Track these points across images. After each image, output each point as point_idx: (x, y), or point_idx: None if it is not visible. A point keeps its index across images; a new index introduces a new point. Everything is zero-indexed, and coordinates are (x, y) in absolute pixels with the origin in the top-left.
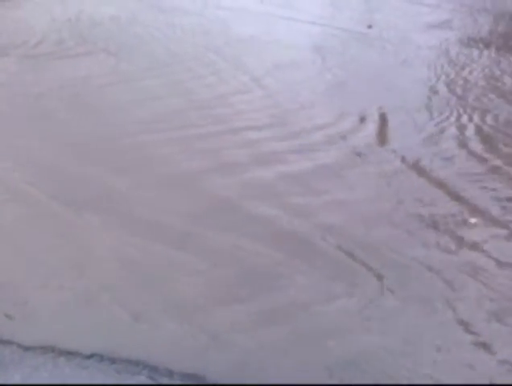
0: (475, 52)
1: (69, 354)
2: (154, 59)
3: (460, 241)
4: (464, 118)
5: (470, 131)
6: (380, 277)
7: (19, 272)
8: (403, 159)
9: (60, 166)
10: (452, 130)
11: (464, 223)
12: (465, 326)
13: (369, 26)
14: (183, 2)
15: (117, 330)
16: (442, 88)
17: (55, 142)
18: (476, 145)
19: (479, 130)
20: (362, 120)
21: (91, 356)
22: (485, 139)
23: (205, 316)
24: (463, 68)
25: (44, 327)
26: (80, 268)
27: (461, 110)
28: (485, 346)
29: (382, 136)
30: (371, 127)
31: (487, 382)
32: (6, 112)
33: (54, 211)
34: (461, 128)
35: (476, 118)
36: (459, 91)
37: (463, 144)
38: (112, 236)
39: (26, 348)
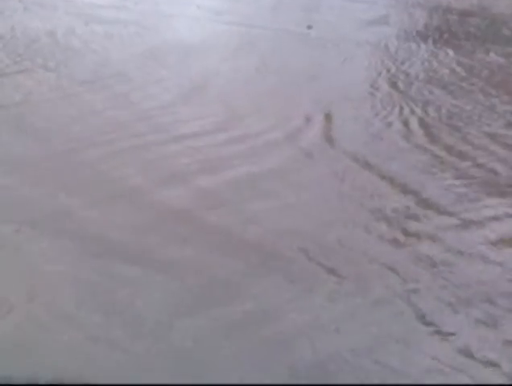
0: (413, 46)
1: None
2: (94, 73)
3: (413, 233)
4: (407, 112)
5: (414, 124)
6: (338, 277)
7: None
8: (351, 156)
9: (6, 187)
10: (397, 124)
11: (416, 215)
12: (425, 317)
13: (309, 27)
14: (120, 12)
15: (75, 355)
16: (384, 84)
17: None
18: (421, 138)
19: (422, 123)
20: (307, 120)
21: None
22: (429, 131)
23: (167, 332)
24: (403, 63)
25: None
26: (32, 293)
27: (404, 104)
28: (445, 336)
29: (329, 135)
30: (317, 127)
31: (470, 382)
32: None
33: (8, 236)
34: (405, 121)
35: (418, 111)
36: (400, 85)
37: (408, 137)
38: (64, 258)
39: None
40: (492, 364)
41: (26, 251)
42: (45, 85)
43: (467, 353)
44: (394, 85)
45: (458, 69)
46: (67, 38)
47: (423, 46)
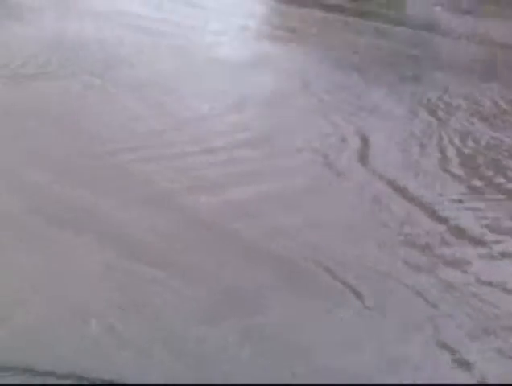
0: (457, 77)
1: (45, 375)
2: (137, 81)
3: (443, 261)
4: (446, 141)
5: (452, 153)
6: (362, 297)
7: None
8: (385, 179)
9: (44, 185)
10: (434, 152)
11: (447, 243)
12: (447, 345)
13: (354, 51)
14: (170, 26)
15: (98, 352)
16: (423, 112)
17: (39, 162)
18: (458, 168)
19: (460, 153)
20: (343, 140)
21: (68, 376)
22: (467, 161)
23: (182, 337)
24: (445, 92)
25: (21, 348)
26: (62, 289)
27: (443, 133)
28: (466, 365)
29: (364, 157)
30: (352, 148)
31: None
32: None
33: (38, 231)
34: (443, 150)
35: (457, 141)
36: (440, 114)
37: (444, 166)
38: (95, 257)
39: (1, 368)
40: None
41: (53, 247)
42: (89, 90)
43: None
44: (433, 113)
45: (501, 102)
46: (115, 47)
47: (466, 77)
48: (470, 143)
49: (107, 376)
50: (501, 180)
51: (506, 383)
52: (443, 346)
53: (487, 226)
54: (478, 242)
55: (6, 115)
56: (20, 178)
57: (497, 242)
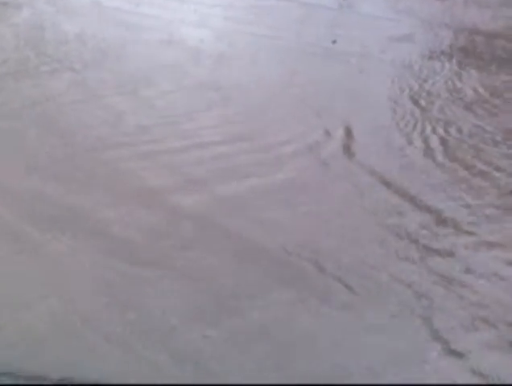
0: (437, 65)
1: (36, 379)
2: (120, 76)
3: (431, 251)
4: (429, 130)
5: (435, 143)
6: (353, 292)
7: None
8: (370, 171)
9: (26, 185)
10: (418, 142)
11: (434, 233)
12: (439, 336)
13: (334, 42)
14: (149, 19)
15: (88, 354)
16: (406, 101)
17: (20, 162)
18: (442, 157)
19: (444, 142)
20: (328, 133)
21: (61, 381)
22: (450, 150)
23: (178, 339)
24: (426, 81)
25: (9, 351)
26: (49, 290)
27: (426, 122)
28: (460, 356)
29: (349, 148)
30: (337, 140)
31: None
32: None
33: (20, 232)
34: (426, 139)
35: (440, 130)
36: (423, 103)
37: (429, 155)
38: (80, 256)
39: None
40: None
41: (44, 248)
42: (71, 86)
43: (480, 374)
44: (416, 103)
45: (481, 90)
46: (95, 42)
47: (447, 65)
48: (453, 132)
49: (95, 377)
50: (485, 168)
51: (506, 384)
52: (438, 338)
53: (473, 215)
54: (465, 231)
55: None
56: (4, 179)
57: (484, 230)
